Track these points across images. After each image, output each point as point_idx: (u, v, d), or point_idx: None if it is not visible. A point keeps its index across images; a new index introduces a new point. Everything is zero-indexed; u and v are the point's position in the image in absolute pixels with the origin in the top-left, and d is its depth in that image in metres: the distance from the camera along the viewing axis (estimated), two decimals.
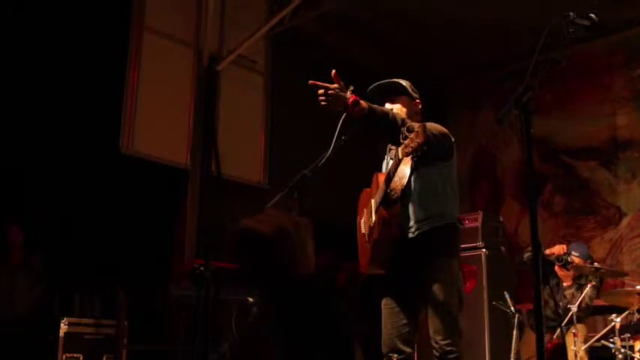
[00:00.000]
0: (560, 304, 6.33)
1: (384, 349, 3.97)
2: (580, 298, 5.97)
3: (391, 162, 4.03)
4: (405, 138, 3.58)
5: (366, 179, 4.28)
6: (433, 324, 3.81)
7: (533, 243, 2.63)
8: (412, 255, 3.87)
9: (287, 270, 2.47)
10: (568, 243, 6.70)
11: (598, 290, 6.15)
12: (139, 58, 6.86)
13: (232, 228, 2.56)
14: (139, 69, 6.83)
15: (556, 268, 6.50)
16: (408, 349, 3.93)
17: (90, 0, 6.41)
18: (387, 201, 3.86)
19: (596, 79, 8.56)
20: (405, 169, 3.88)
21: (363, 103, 3.68)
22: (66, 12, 6.29)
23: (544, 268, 6.56)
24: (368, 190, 4.23)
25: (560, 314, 6.07)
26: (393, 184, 3.85)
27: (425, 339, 3.91)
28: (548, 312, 6.45)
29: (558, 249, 6.44)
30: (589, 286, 6.05)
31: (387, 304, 4.02)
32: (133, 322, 5.83)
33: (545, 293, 6.56)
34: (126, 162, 6.59)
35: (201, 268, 3.67)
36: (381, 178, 3.97)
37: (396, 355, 3.90)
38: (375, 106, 3.75)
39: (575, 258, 6.45)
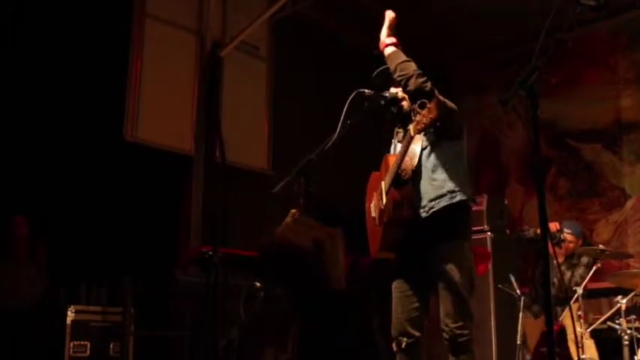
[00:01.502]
0: (555, 281, 6.26)
1: (394, 333, 3.97)
2: (586, 280, 5.97)
3: (399, 144, 4.04)
4: (417, 114, 3.58)
5: (372, 163, 4.27)
6: (444, 307, 3.81)
7: (542, 223, 2.63)
8: (424, 236, 3.86)
9: (321, 283, 2.44)
10: (560, 221, 6.69)
11: (589, 269, 6.08)
12: (141, 45, 6.84)
13: (267, 239, 2.54)
14: (142, 56, 6.82)
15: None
16: (417, 333, 3.94)
17: None
18: (398, 182, 3.84)
19: (600, 61, 8.52)
20: (415, 149, 3.87)
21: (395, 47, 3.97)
22: (68, 0, 6.30)
23: (537, 249, 6.57)
24: (377, 173, 4.21)
25: (566, 293, 6.06)
26: (404, 165, 3.83)
27: (435, 322, 3.91)
28: (541, 293, 6.44)
29: (551, 226, 6.33)
30: (592, 268, 6.02)
31: (397, 288, 4.02)
32: (139, 309, 5.85)
33: (537, 274, 6.57)
34: (130, 150, 6.58)
35: (210, 253, 3.67)
36: (391, 159, 3.96)
37: (405, 339, 3.91)
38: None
39: (567, 235, 6.43)
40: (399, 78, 3.90)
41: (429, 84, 3.84)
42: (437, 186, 3.88)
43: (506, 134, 9.05)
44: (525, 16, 7.65)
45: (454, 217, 3.89)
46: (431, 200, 3.87)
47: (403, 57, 3.97)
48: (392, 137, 4.27)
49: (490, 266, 6.59)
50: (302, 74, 8.09)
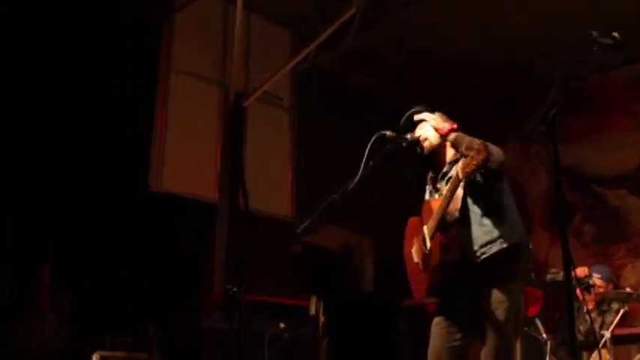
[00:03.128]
0: (581, 328, 6.18)
1: None
2: (613, 325, 5.90)
3: (429, 189, 4.10)
4: (463, 157, 3.60)
5: (399, 207, 4.29)
6: (487, 348, 3.77)
7: (565, 262, 2.62)
8: (474, 280, 3.84)
9: (351, 287, 2.46)
10: (590, 266, 6.61)
11: (618, 315, 6.00)
12: (166, 98, 6.97)
13: (298, 245, 2.56)
14: (167, 108, 6.95)
15: (577, 291, 6.36)
16: None
17: (120, 43, 6.56)
18: (443, 225, 3.82)
19: (621, 107, 8.55)
20: (459, 192, 3.84)
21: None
22: (97, 55, 6.45)
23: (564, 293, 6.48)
24: (415, 218, 4.20)
25: (596, 338, 5.98)
26: (449, 208, 3.82)
27: None
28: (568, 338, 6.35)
29: (580, 271, 6.23)
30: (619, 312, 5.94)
31: (437, 324, 3.97)
32: (165, 355, 5.84)
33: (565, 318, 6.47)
34: (156, 200, 6.65)
35: (234, 289, 3.69)
36: (434, 203, 3.96)
37: None
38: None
39: (597, 280, 6.34)
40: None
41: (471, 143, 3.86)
42: (486, 231, 3.85)
43: (530, 180, 9.04)
44: (544, 71, 7.71)
45: (505, 260, 3.85)
46: (482, 246, 3.84)
47: (467, 137, 3.97)
48: (426, 183, 4.32)
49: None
50: (324, 123, 8.18)
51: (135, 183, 6.60)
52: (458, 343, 3.89)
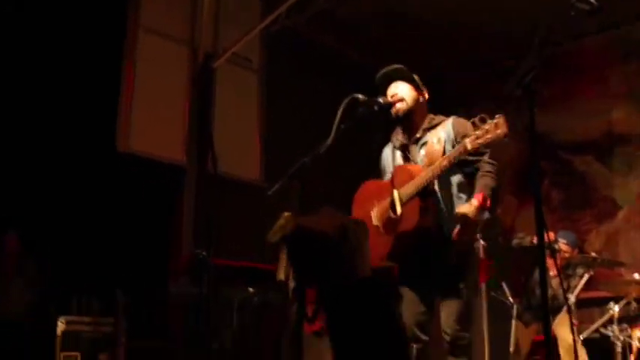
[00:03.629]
0: (550, 291, 6.23)
1: None
2: (578, 289, 5.97)
3: (398, 153, 4.10)
4: (476, 128, 3.56)
5: (365, 167, 4.26)
6: (449, 312, 3.88)
7: (539, 229, 2.61)
8: (438, 247, 3.90)
9: (347, 270, 2.41)
10: (556, 231, 6.67)
11: (582, 279, 6.08)
12: (134, 56, 6.84)
13: (290, 227, 2.50)
14: (135, 67, 6.81)
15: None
16: (425, 337, 3.99)
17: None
18: (424, 192, 3.86)
19: (592, 74, 8.57)
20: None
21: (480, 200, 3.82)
22: (61, 12, 6.29)
23: (531, 258, 6.56)
24: (371, 182, 4.26)
25: (559, 302, 6.05)
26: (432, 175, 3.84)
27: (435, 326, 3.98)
28: (533, 302, 6.43)
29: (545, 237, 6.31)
30: (584, 277, 6.02)
31: (404, 294, 4.02)
32: (131, 319, 5.80)
33: (533, 282, 6.54)
34: (122, 160, 6.56)
35: (203, 253, 3.64)
36: (414, 169, 3.97)
37: (414, 345, 3.94)
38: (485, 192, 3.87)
39: (562, 245, 6.41)
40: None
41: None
42: (462, 205, 3.91)
43: (499, 145, 9.04)
44: (516, 33, 7.70)
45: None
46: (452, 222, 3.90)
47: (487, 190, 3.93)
48: (384, 142, 4.30)
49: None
50: (294, 86, 8.10)
51: (101, 143, 6.49)
52: (423, 316, 3.99)
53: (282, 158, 7.15)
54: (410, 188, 3.87)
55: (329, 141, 3.68)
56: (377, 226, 4.06)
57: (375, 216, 4.09)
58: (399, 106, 4.13)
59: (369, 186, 4.28)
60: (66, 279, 6.04)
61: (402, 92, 4.16)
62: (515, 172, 8.77)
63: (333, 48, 8.75)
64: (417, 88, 4.21)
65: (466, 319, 3.90)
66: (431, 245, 3.91)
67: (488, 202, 3.83)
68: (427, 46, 8.75)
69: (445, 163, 3.77)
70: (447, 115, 4.26)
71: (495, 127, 3.50)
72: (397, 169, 4.12)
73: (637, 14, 8.12)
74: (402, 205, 3.91)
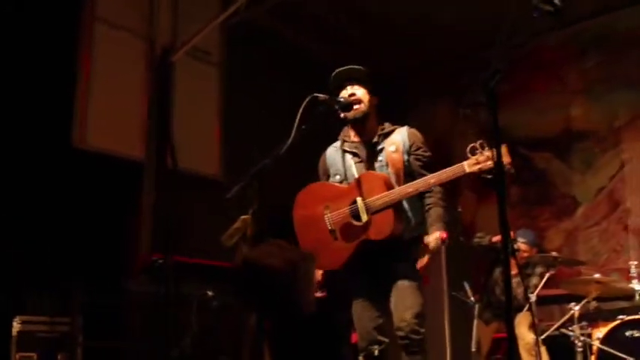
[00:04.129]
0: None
1: (363, 344, 4.05)
2: (538, 288, 6.00)
3: (349, 156, 4.15)
4: (476, 153, 3.62)
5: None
6: (403, 304, 3.90)
7: (503, 232, 2.58)
8: (396, 252, 3.95)
9: (294, 305, 2.34)
10: (515, 230, 6.70)
11: (542, 279, 6.12)
12: (90, 49, 6.70)
13: (240, 259, 2.44)
14: (91, 60, 6.68)
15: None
16: (385, 339, 4.03)
17: None
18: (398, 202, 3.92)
19: (550, 71, 8.65)
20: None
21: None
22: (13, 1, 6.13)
23: (490, 257, 6.59)
24: (317, 184, 4.27)
25: (519, 302, 6.08)
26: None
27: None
28: (493, 300, 6.46)
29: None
30: (544, 276, 6.06)
31: (359, 302, 4.10)
32: (88, 319, 5.70)
33: (492, 281, 6.56)
34: (78, 156, 6.42)
35: (159, 262, 3.56)
36: (382, 178, 3.99)
37: (376, 347, 4.00)
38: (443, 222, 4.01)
39: (521, 245, 6.44)
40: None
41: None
42: (417, 214, 4.06)
43: (458, 141, 9.07)
44: (479, 29, 7.72)
45: (420, 239, 4.06)
46: (415, 225, 4.06)
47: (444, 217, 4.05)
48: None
49: (444, 273, 6.59)
50: (254, 80, 8.03)
51: (57, 138, 6.35)
52: (380, 319, 4.04)
53: (242, 152, 7.15)
54: (382, 199, 3.88)
55: (289, 141, 3.61)
56: (332, 230, 4.05)
57: (330, 220, 4.07)
58: (357, 107, 4.11)
59: (317, 188, 4.27)
60: (21, 277, 5.90)
61: (359, 94, 4.14)
62: None
63: (294, 41, 8.68)
64: (371, 92, 4.21)
65: (420, 313, 3.92)
66: (391, 249, 3.93)
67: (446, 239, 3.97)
68: (389, 40, 8.74)
69: (433, 181, 3.83)
70: (396, 123, 4.30)
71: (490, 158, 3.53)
72: (363, 175, 4.08)
73: (593, 11, 8.19)
74: (370, 214, 3.90)
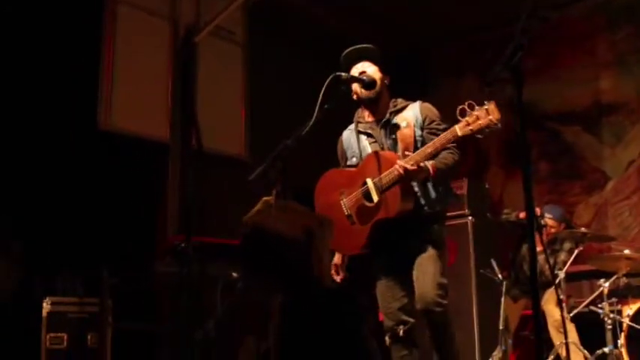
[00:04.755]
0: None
1: (389, 324, 4.04)
2: (567, 264, 5.93)
3: (363, 137, 4.06)
4: (467, 114, 3.53)
5: None
6: (427, 279, 3.87)
7: (528, 207, 2.53)
8: (414, 229, 3.93)
9: (309, 278, 2.22)
10: (542, 206, 6.62)
11: (571, 254, 6.03)
12: (114, 31, 6.71)
13: (248, 226, 2.33)
14: (115, 43, 6.69)
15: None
16: (412, 319, 4.01)
17: None
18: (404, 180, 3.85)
19: (578, 43, 8.50)
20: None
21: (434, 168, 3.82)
22: None
23: (518, 233, 6.53)
24: (335, 170, 4.27)
25: (547, 278, 6.02)
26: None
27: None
28: (521, 277, 6.41)
29: None
30: (573, 252, 5.98)
31: (381, 282, 4.09)
32: (117, 300, 5.75)
33: (520, 257, 6.49)
34: (104, 138, 6.45)
35: (182, 245, 3.55)
36: (389, 156, 3.93)
37: (402, 327, 4.00)
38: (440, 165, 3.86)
39: (548, 220, 6.36)
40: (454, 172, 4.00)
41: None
42: (436, 190, 3.99)
43: None
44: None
45: (441, 215, 4.09)
46: (433, 202, 3.99)
47: (442, 165, 3.90)
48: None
49: (471, 251, 6.54)
50: (277, 58, 8.00)
51: (83, 121, 6.38)
52: (406, 299, 4.01)
53: (267, 132, 7.12)
54: (389, 176, 3.84)
55: (312, 121, 3.59)
56: (349, 215, 4.04)
57: (346, 205, 4.06)
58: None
59: (332, 175, 4.26)
60: (50, 259, 5.96)
61: (370, 72, 4.09)
62: (502, 143, 8.72)
63: (317, 18, 8.61)
64: (382, 70, 4.16)
65: (443, 286, 3.90)
66: (408, 226, 3.92)
67: (434, 175, 3.85)
68: (413, 18, 8.64)
69: (430, 150, 3.77)
70: (410, 99, 4.24)
71: (487, 113, 3.48)
72: (371, 156, 4.06)
73: None
74: (380, 193, 3.87)
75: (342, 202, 4.07)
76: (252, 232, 2.30)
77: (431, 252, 3.91)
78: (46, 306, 5.47)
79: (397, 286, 4.04)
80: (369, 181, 3.93)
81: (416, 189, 3.95)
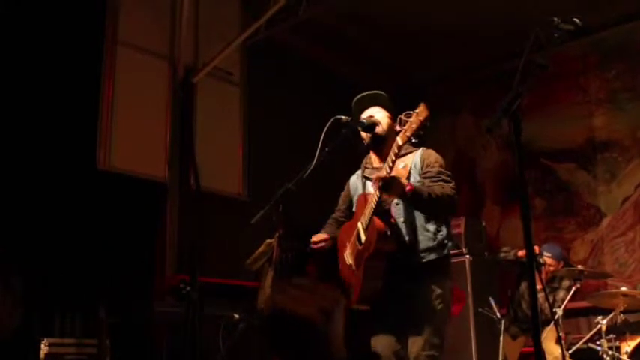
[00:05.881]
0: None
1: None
2: (565, 302, 5.96)
3: (370, 185, 4.01)
4: (405, 123, 3.56)
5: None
6: (420, 338, 3.81)
7: (527, 247, 2.57)
8: (413, 279, 3.87)
9: (324, 350, 2.26)
10: (541, 244, 6.66)
11: (569, 292, 6.06)
12: (113, 72, 6.77)
13: (269, 306, 2.38)
14: (114, 83, 6.75)
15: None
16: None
17: (62, 15, 6.32)
18: (378, 212, 3.80)
19: (571, 81, 8.60)
20: (401, 172, 3.85)
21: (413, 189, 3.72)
22: (38, 27, 6.20)
23: (517, 271, 6.57)
24: (349, 223, 4.18)
25: (546, 315, 6.04)
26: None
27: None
28: (520, 314, 6.43)
29: None
30: (571, 289, 6.01)
31: (378, 334, 4.01)
32: (115, 340, 5.72)
33: (519, 296, 6.52)
34: (103, 178, 6.49)
35: (187, 288, 3.57)
36: (370, 197, 3.88)
37: None
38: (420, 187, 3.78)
39: (547, 259, 6.40)
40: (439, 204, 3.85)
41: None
42: (429, 237, 3.90)
43: (481, 155, 9.06)
44: (496, 38, 7.73)
45: (443, 262, 3.97)
46: (425, 250, 3.89)
47: (425, 190, 3.82)
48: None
49: (469, 290, 6.57)
50: (276, 98, 8.06)
51: (82, 160, 6.41)
52: (398, 345, 3.95)
53: (265, 171, 7.17)
54: (367, 210, 3.83)
55: (313, 164, 3.63)
56: (350, 264, 4.00)
57: (347, 255, 4.04)
58: (378, 129, 4.07)
59: (344, 228, 4.22)
60: (48, 297, 5.94)
61: (378, 116, 4.08)
62: (498, 181, 8.78)
63: (315, 59, 8.71)
64: (391, 117, 4.14)
65: (437, 346, 3.83)
66: (408, 273, 3.86)
67: (409, 192, 3.71)
68: (411, 55, 8.75)
69: (385, 173, 3.70)
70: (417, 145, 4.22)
71: (417, 115, 3.54)
72: (360, 199, 4.06)
73: (613, 19, 8.15)
74: (365, 230, 3.85)
75: (345, 254, 4.06)
76: (274, 314, 2.37)
77: (426, 304, 3.86)
78: (44, 347, 5.41)
79: (390, 336, 3.96)
80: (359, 224, 3.92)
81: (404, 237, 3.89)
